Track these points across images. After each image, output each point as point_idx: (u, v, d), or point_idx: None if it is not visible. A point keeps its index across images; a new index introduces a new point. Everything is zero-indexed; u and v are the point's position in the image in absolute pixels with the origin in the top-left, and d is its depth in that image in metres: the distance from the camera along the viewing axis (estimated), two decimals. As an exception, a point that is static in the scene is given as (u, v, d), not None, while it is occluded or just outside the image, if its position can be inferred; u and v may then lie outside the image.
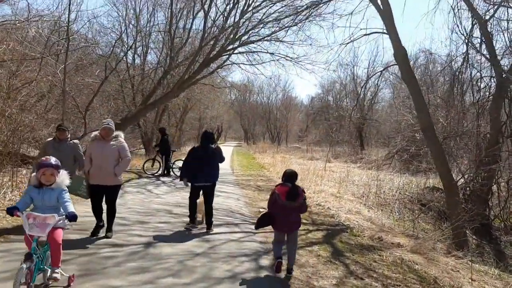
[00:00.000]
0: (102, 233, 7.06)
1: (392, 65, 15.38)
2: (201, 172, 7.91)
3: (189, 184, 8.08)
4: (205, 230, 7.85)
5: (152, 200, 10.82)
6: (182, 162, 8.82)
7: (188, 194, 8.24)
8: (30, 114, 17.43)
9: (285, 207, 5.70)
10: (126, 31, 24.04)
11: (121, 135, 7.26)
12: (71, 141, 7.58)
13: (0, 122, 12.51)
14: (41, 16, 15.91)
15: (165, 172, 16.79)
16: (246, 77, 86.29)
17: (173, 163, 17.19)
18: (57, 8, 32.25)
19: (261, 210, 10.25)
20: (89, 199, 7.24)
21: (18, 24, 14.34)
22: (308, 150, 47.87)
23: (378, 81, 14.38)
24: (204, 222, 8.11)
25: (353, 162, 32.67)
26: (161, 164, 17.20)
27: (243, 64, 22.42)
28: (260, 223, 6.15)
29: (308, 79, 67.42)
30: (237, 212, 10.02)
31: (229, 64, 23.21)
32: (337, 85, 58.34)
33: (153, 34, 26.07)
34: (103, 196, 7.10)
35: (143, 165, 17.86)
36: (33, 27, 15.66)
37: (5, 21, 16.23)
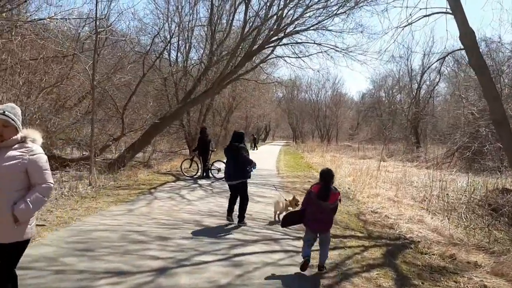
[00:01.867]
0: None
1: (458, 49, 13.46)
2: (228, 171, 8.38)
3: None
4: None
5: (182, 208, 9.53)
6: (221, 162, 9.45)
7: (224, 200, 8.65)
8: (67, 116, 16.91)
9: (319, 206, 5.67)
10: (169, 27, 23.02)
11: (35, 137, 3.71)
12: None
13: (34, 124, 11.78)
14: (70, 11, 15.13)
15: (204, 174, 15.55)
16: (292, 72, 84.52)
17: (212, 164, 15.92)
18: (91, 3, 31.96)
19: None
20: None
21: (48, 21, 13.54)
22: (359, 149, 45.96)
23: (440, 68, 12.62)
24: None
25: (409, 160, 30.39)
26: (199, 166, 16.00)
27: (288, 57, 20.98)
28: (288, 220, 6.28)
29: (359, 70, 65.05)
30: (279, 223, 8.56)
31: (273, 58, 21.76)
32: (390, 80, 55.92)
33: (195, 30, 25.02)
34: None
35: (181, 165, 16.73)
36: (65, 23, 14.94)
37: (39, 19, 15.51)
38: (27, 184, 3.58)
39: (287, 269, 5.74)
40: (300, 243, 6.85)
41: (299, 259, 6.13)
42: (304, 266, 5.55)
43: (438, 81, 13.82)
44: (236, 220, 8.23)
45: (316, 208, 5.69)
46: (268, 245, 6.84)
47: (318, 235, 5.85)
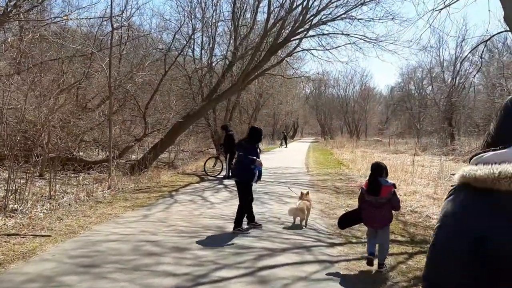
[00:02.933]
0: None
1: (502, 31, 12.34)
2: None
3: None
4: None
5: (203, 213, 8.72)
6: None
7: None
8: (89, 117, 16.42)
9: (371, 202, 5.51)
10: (191, 23, 22.37)
11: None
12: None
13: (47, 128, 11.27)
14: (87, 9, 14.59)
15: (229, 174, 14.74)
16: (319, 66, 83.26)
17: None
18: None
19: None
20: None
21: (63, 19, 13.06)
22: (390, 143, 44.63)
23: (482, 53, 11.48)
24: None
25: (444, 154, 28.96)
26: (223, 165, 15.23)
27: (315, 49, 20.05)
28: (346, 221, 6.14)
29: (391, 61, 63.29)
30: (310, 227, 7.70)
31: (299, 51, 20.81)
32: (419, 72, 54.23)
33: (219, 26, 24.33)
34: None
35: (204, 164, 16.00)
36: (81, 22, 14.48)
37: (54, 17, 15.07)
38: None
39: (322, 285, 4.88)
40: (335, 251, 6.18)
41: (338, 270, 5.32)
42: (368, 263, 5.45)
43: (480, 67, 12.71)
44: (256, 225, 7.48)
45: (369, 204, 5.53)
46: (299, 255, 5.96)
47: (377, 231, 5.61)
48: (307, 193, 8.10)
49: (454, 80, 26.75)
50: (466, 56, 20.64)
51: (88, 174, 14.40)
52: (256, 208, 8.12)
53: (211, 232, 7.10)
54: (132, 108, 18.64)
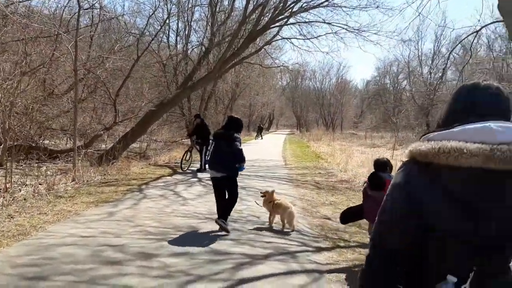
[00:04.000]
0: None
1: (496, 21, 11.81)
2: (212, 159, 6.66)
3: None
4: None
5: (175, 210, 7.88)
6: None
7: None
8: (56, 103, 15.32)
9: (375, 198, 5.25)
10: (166, 7, 21.32)
11: None
12: None
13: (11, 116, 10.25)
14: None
15: (204, 167, 13.83)
16: (299, 56, 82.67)
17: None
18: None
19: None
20: None
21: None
22: (366, 137, 44.42)
23: (472, 43, 10.82)
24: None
25: (422, 149, 28.70)
26: (191, 157, 14.23)
27: (295, 38, 19.32)
28: (347, 217, 6.10)
29: (373, 52, 63.39)
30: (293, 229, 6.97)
31: (278, 39, 19.97)
32: (395, 66, 54.52)
33: (196, 12, 23.38)
34: None
35: (182, 157, 14.60)
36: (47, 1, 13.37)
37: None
38: None
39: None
40: (322, 257, 5.51)
41: (326, 284, 4.62)
42: None
43: (470, 59, 12.09)
44: (227, 225, 6.51)
45: (373, 200, 5.31)
46: (284, 263, 5.22)
47: None
48: (273, 192, 7.10)
49: (444, 71, 26.36)
50: (451, 51, 20.16)
51: (54, 164, 13.42)
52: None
53: (184, 233, 6.29)
54: (102, 95, 17.60)
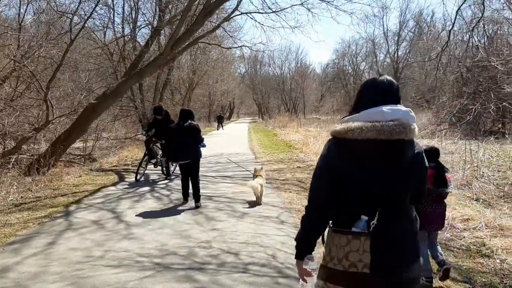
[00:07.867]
0: None
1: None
2: (178, 151, 7.69)
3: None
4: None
5: (109, 250, 5.09)
6: None
7: (193, 220, 6.41)
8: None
9: (434, 196, 4.25)
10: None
11: None
12: None
13: None
14: None
15: (166, 171, 10.99)
16: (262, 34, 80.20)
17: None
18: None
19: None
20: None
21: None
22: (331, 121, 42.61)
23: (457, 12, 8.74)
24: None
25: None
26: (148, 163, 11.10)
27: (257, 12, 16.74)
28: None
29: (347, 24, 61.79)
30: (285, 264, 4.46)
31: (238, 15, 17.10)
32: (353, 46, 53.56)
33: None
34: None
35: (138, 167, 10.91)
36: None
37: None
38: None
39: None
40: None
41: None
42: (445, 274, 4.05)
43: (451, 30, 9.80)
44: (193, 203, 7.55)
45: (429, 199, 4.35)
46: None
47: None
48: (261, 168, 8.24)
49: (396, 50, 24.47)
50: (453, 24, 18.10)
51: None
52: (202, 228, 4.91)
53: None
54: (32, 90, 14.60)
